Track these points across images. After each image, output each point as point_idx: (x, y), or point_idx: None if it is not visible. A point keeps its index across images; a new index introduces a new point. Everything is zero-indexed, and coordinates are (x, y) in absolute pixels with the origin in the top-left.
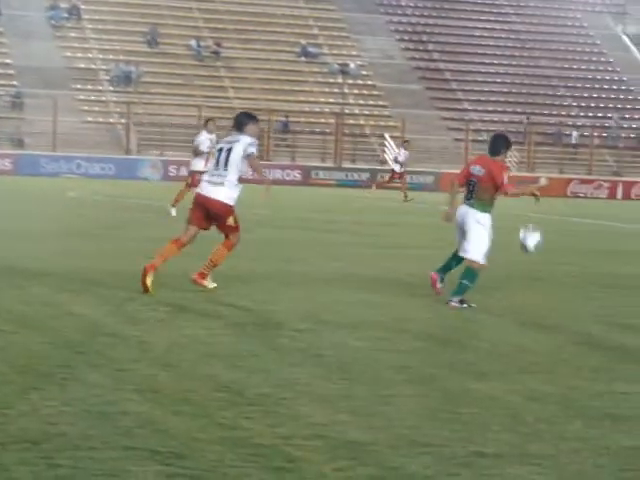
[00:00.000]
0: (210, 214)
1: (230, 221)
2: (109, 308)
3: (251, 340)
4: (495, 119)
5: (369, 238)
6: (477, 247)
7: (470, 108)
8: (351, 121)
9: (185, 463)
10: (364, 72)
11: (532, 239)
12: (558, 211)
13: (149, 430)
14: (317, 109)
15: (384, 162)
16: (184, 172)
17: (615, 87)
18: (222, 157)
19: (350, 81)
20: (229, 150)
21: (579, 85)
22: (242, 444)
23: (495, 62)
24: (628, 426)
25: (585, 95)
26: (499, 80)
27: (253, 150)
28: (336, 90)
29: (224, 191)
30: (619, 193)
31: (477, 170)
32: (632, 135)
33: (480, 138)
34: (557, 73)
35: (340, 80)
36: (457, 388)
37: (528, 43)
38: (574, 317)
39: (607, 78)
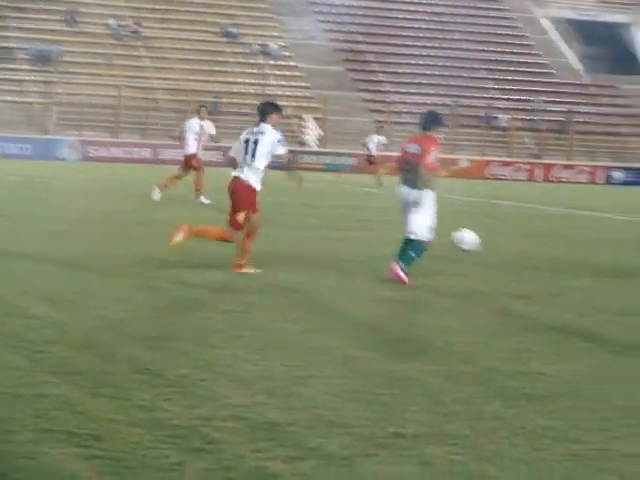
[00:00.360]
0: (233, 197)
1: (240, 217)
2: (26, 289)
3: (171, 322)
4: (417, 101)
5: (292, 219)
6: (420, 226)
7: (392, 90)
8: None
9: (103, 445)
10: (286, 53)
11: (467, 240)
12: (477, 193)
13: (67, 412)
14: (236, 90)
15: (304, 143)
16: (104, 153)
17: (537, 70)
18: (249, 148)
19: (272, 62)
20: (255, 142)
21: (501, 68)
22: (161, 426)
23: (417, 44)
24: (543, 406)
25: (507, 78)
26: (421, 62)
27: (282, 151)
28: (257, 71)
29: (248, 175)
30: (538, 175)
31: (413, 148)
32: (553, 118)
33: (401, 120)
34: (479, 56)
35: (261, 61)
36: (377, 369)
37: (449, 25)
38: (494, 298)
39: (529, 61)
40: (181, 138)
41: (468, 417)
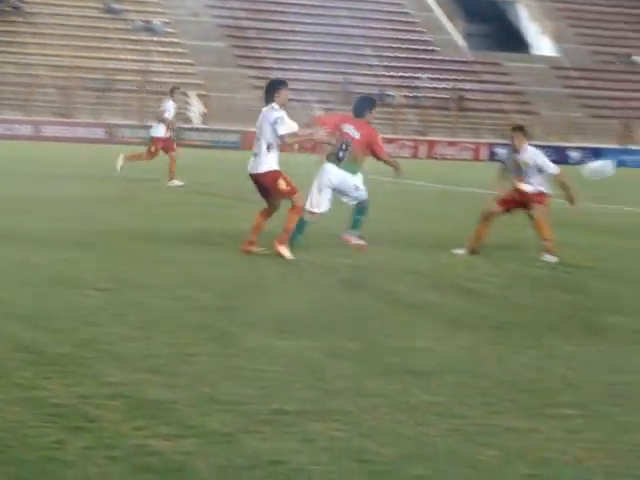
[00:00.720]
0: (262, 187)
1: (281, 185)
2: None
3: (51, 300)
4: (300, 78)
5: (174, 196)
6: (359, 188)
7: (275, 67)
8: (155, 79)
9: None
10: (169, 30)
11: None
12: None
13: None
14: (120, 67)
15: (188, 120)
16: None
17: (421, 48)
18: (257, 133)
19: (155, 39)
20: (260, 126)
21: (385, 45)
22: (41, 404)
23: (300, 21)
24: (427, 381)
25: (391, 55)
26: (304, 39)
27: (281, 132)
28: (141, 48)
29: (260, 161)
30: (422, 152)
31: (351, 131)
32: (438, 96)
33: (290, 97)
34: (362, 33)
35: (145, 38)
36: (260, 346)
37: (332, 2)
38: (380, 274)
39: (412, 39)
40: (161, 119)
41: (351, 394)
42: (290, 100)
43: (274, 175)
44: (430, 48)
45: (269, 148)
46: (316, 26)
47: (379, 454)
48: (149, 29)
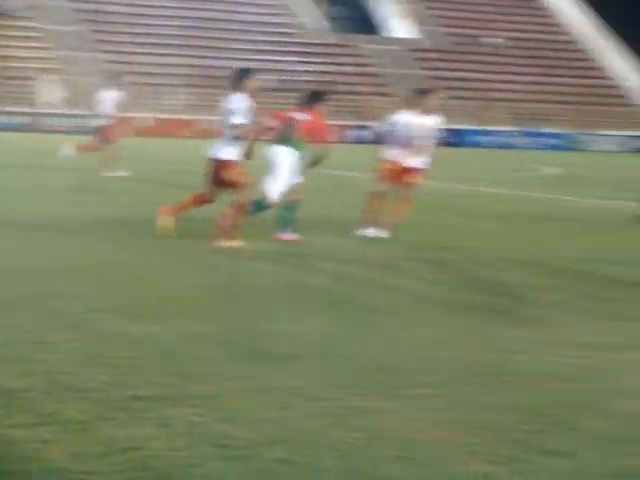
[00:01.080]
0: (215, 173)
1: (232, 175)
2: None
3: None
4: (164, 62)
5: (35, 179)
6: (276, 187)
7: (138, 51)
8: (14, 64)
9: None
10: (26, 13)
11: None
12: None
13: None
14: None
15: (44, 105)
16: None
17: (284, 31)
18: (222, 117)
19: (11, 22)
20: (224, 109)
21: (251, 29)
22: None
23: (163, 5)
24: (290, 365)
25: (256, 39)
26: (167, 23)
27: (232, 121)
28: None
29: (221, 147)
30: None
31: (300, 115)
32: (298, 78)
33: (152, 81)
34: (223, 16)
35: (0, 22)
36: (114, 331)
37: None
38: (249, 258)
39: (275, 22)
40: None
41: (211, 378)
42: (156, 85)
43: (230, 164)
44: (293, 31)
45: (231, 136)
46: (179, 10)
47: (238, 438)
48: (5, 12)
